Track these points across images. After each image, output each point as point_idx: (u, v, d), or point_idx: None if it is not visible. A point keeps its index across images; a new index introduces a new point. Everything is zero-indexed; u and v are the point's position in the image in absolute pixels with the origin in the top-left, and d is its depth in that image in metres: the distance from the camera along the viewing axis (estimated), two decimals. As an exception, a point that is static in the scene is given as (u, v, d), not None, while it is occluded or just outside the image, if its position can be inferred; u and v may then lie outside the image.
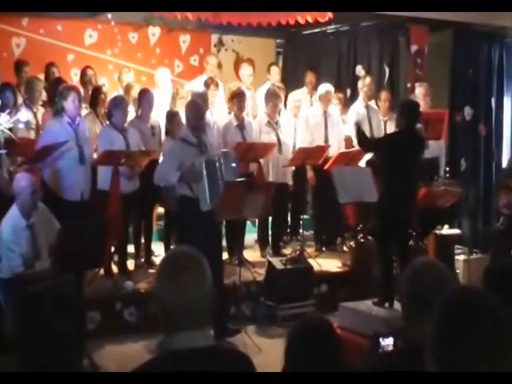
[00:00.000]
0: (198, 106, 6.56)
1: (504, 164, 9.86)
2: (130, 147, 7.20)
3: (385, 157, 6.63)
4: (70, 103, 6.89)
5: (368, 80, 9.26)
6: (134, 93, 8.16)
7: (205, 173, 6.17)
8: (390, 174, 6.56)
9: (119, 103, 7.29)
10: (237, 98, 8.25)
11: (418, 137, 6.91)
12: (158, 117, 8.04)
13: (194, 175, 6.19)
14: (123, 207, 7.01)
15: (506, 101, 10.22)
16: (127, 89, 8.43)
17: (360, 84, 9.34)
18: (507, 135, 10.30)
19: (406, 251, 6.68)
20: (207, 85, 8.68)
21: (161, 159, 7.65)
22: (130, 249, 7.80)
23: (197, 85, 9.03)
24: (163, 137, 7.90)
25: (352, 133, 8.87)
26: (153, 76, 9.34)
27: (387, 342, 3.68)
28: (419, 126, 7.45)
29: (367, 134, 8.33)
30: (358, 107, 9.17)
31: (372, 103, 9.29)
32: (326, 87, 8.97)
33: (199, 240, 5.71)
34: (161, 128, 7.95)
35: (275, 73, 9.85)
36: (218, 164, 6.31)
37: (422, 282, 2.48)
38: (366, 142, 6.93)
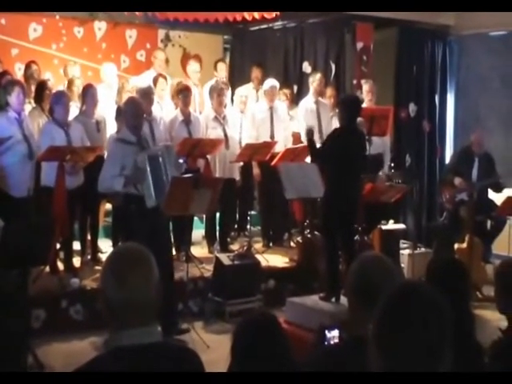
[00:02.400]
0: (136, 104, 6.42)
1: (447, 160, 10.01)
2: (71, 143, 7.11)
3: (328, 153, 6.67)
4: (14, 98, 6.79)
5: (318, 76, 9.32)
6: (77, 88, 8.05)
7: (148, 169, 6.09)
8: (334, 170, 6.62)
9: (60, 98, 7.19)
10: (182, 94, 8.22)
11: (359, 132, 6.98)
12: (103, 112, 7.96)
13: (138, 175, 6.06)
14: (68, 203, 6.92)
15: (450, 98, 10.40)
16: (69, 83, 8.32)
17: (310, 80, 9.39)
18: (450, 132, 10.48)
19: (351, 246, 6.74)
20: (156, 80, 8.64)
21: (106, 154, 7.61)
22: (76, 246, 7.71)
23: (143, 80, 8.96)
24: (110, 132, 7.83)
25: (300, 129, 8.96)
26: (99, 71, 9.24)
27: (333, 335, 3.72)
28: (360, 119, 7.54)
29: (316, 129, 8.41)
30: (308, 103, 9.22)
31: (322, 99, 9.35)
32: (271, 83, 9.00)
33: (146, 237, 5.69)
34: (106, 123, 7.88)
35: (222, 69, 9.86)
36: (161, 159, 6.24)
37: (368, 275, 2.51)
38: (317, 153, 6.91)
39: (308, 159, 8.35)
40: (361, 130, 7.17)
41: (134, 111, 6.30)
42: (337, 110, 7.34)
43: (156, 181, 6.14)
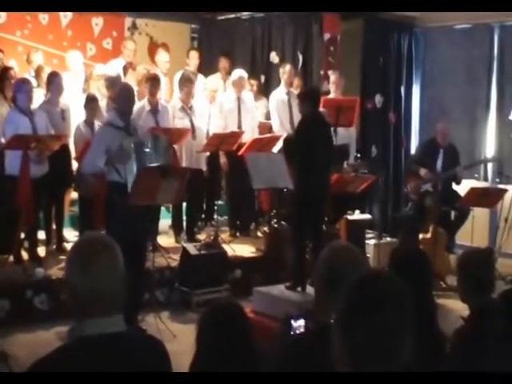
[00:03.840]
0: (130, 90, 6.43)
1: (413, 151, 10.10)
2: (37, 131, 7.04)
3: (297, 143, 6.69)
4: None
5: (288, 67, 9.33)
6: (46, 75, 7.97)
7: (134, 155, 6.08)
8: (304, 161, 6.63)
9: (22, 86, 7.11)
10: (150, 83, 8.17)
11: (326, 123, 7.00)
12: (69, 100, 7.89)
13: (121, 156, 6.04)
14: (33, 192, 6.86)
15: (415, 89, 10.47)
16: (38, 71, 8.22)
17: (280, 71, 9.39)
18: (416, 123, 10.56)
19: (319, 236, 6.78)
20: (126, 69, 8.57)
21: (71, 144, 7.55)
22: (41, 235, 7.64)
23: (110, 68, 8.90)
24: (77, 121, 7.77)
25: (272, 120, 8.98)
26: (64, 59, 9.14)
27: (298, 324, 3.73)
28: (322, 110, 7.58)
29: (287, 120, 8.44)
30: (280, 94, 9.23)
31: (293, 90, 9.37)
32: (239, 73, 9.00)
33: (126, 226, 5.68)
34: (70, 112, 7.81)
35: (194, 57, 9.82)
36: (147, 147, 6.22)
37: (336, 265, 2.52)
38: (291, 153, 6.92)
39: (275, 149, 8.38)
40: (326, 120, 7.20)
41: (127, 97, 6.29)
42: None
43: (140, 167, 6.11)
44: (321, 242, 6.59)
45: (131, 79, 8.62)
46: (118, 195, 6.01)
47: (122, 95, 6.36)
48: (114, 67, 8.90)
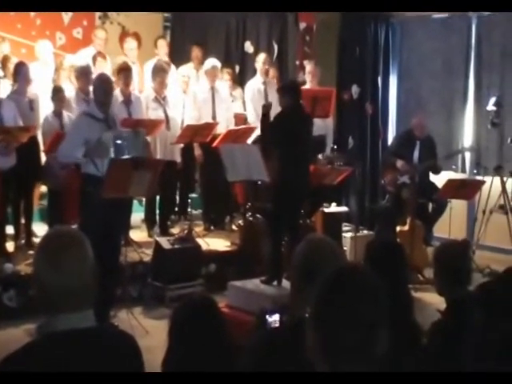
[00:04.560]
0: (107, 80, 6.38)
1: (390, 142, 10.12)
2: (3, 121, 6.97)
3: (277, 136, 6.68)
4: None
5: (263, 56, 9.33)
6: (12, 65, 7.89)
7: (112, 148, 6.03)
8: (285, 153, 6.63)
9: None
10: (123, 73, 8.11)
11: (306, 114, 7.02)
12: (38, 91, 7.82)
13: (100, 150, 6.01)
14: (0, 185, 6.80)
15: (392, 80, 10.50)
16: (4, 61, 8.14)
17: (256, 60, 9.39)
18: (393, 114, 10.60)
19: (296, 229, 6.80)
20: (95, 59, 8.52)
21: (39, 135, 7.47)
22: (10, 230, 7.58)
23: (80, 58, 8.83)
24: (46, 112, 7.70)
25: (247, 110, 8.98)
26: (33, 48, 9.05)
27: (274, 319, 3.75)
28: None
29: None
30: (256, 84, 9.22)
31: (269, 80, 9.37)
32: (212, 62, 8.98)
33: (106, 218, 5.66)
34: (39, 102, 7.75)
35: (162, 46, 9.76)
36: (126, 141, 6.17)
37: (312, 258, 2.54)
38: (269, 132, 6.90)
39: (250, 141, 8.38)
40: (307, 112, 7.22)
41: (104, 88, 6.23)
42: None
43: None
44: (297, 235, 6.60)
45: (103, 69, 8.56)
46: (94, 188, 5.98)
47: (98, 86, 6.31)
48: (84, 57, 8.83)
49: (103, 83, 6.31)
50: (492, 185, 8.51)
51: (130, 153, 6.14)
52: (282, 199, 6.60)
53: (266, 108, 6.86)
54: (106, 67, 8.71)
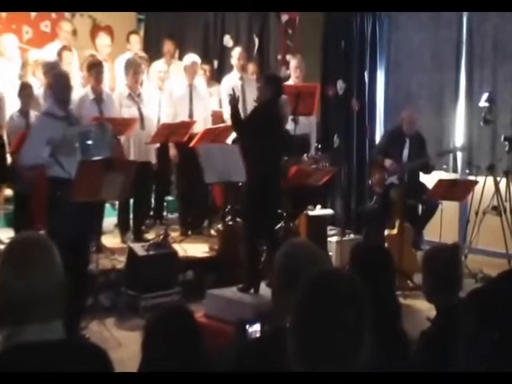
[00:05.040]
0: (66, 76, 6.38)
1: (377, 141, 10.13)
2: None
3: (249, 133, 6.70)
4: None
5: (238, 50, 9.33)
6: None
7: (78, 145, 6.02)
8: (258, 150, 6.65)
9: None
10: (94, 69, 8.08)
11: (278, 113, 7.05)
12: (4, 88, 7.79)
13: (65, 148, 5.99)
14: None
15: (379, 75, 10.51)
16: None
17: (232, 54, 9.40)
18: (380, 111, 10.60)
19: (273, 233, 6.81)
20: (60, 54, 8.49)
21: (5, 135, 7.45)
22: (-27, 236, 7.55)
23: (47, 53, 8.80)
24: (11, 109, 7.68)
25: (223, 108, 8.97)
26: (-3, 43, 9.01)
27: (254, 329, 3.76)
28: (283, 97, 7.60)
29: (240, 108, 8.41)
30: (232, 79, 9.23)
31: (248, 76, 9.38)
32: (192, 58, 8.98)
33: (75, 224, 5.66)
34: (5, 100, 7.72)
35: (136, 42, 9.75)
36: (93, 137, 6.16)
37: (294, 263, 2.55)
38: (240, 124, 6.92)
39: (229, 140, 8.39)
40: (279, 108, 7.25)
41: (62, 84, 6.23)
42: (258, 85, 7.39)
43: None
44: (275, 239, 6.63)
45: (70, 64, 8.52)
46: (62, 192, 5.96)
47: (56, 83, 6.32)
48: (51, 51, 8.80)
49: (60, 79, 6.31)
50: (485, 185, 8.53)
51: (96, 150, 6.12)
52: (253, 201, 6.62)
53: (233, 99, 6.86)
54: (72, 62, 8.68)
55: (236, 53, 9.30)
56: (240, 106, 8.46)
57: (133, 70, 8.38)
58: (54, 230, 5.81)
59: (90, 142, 6.12)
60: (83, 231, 6.03)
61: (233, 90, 7.08)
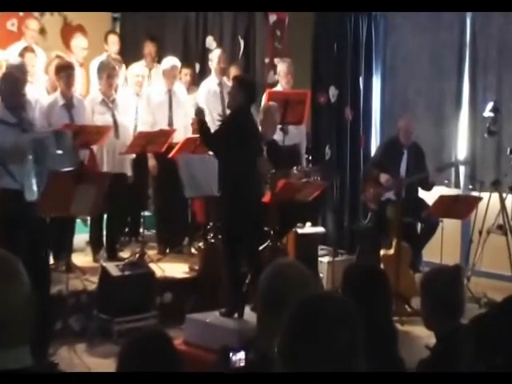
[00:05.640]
0: (14, 80, 6.38)
1: (373, 152, 10.16)
2: None
3: (222, 143, 6.73)
4: None
5: (217, 52, 9.36)
6: None
7: (31, 153, 6.00)
8: (233, 162, 6.67)
9: None
10: (64, 72, 8.09)
11: (252, 118, 7.08)
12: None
13: (17, 156, 5.98)
14: None
15: (375, 80, 10.52)
16: None
17: (210, 57, 9.42)
18: (376, 120, 10.59)
19: (255, 254, 6.83)
20: (23, 55, 8.48)
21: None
22: None
23: (10, 54, 8.80)
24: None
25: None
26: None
27: (238, 357, 3.75)
28: (273, 104, 7.63)
29: (220, 117, 8.43)
30: (210, 84, 9.25)
31: (227, 80, 9.40)
32: (172, 61, 9.00)
33: (26, 240, 5.65)
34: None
35: (114, 43, 9.77)
36: (48, 145, 6.15)
37: (280, 286, 2.56)
38: (210, 140, 6.94)
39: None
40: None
41: (12, 88, 6.23)
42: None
43: (39, 170, 6.04)
44: (258, 260, 6.66)
45: (34, 66, 8.48)
46: (14, 205, 5.95)
47: (5, 87, 6.31)
48: (15, 52, 8.78)
49: (10, 83, 6.31)
50: (489, 202, 8.55)
51: (56, 160, 6.11)
52: (231, 218, 6.64)
53: (199, 113, 6.89)
54: (36, 64, 8.66)
55: (215, 55, 9.32)
56: (220, 113, 8.53)
57: (106, 73, 8.38)
58: (7, 246, 5.79)
59: (45, 151, 6.10)
60: (41, 248, 5.99)
61: (197, 105, 7.10)
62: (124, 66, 9.54)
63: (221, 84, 9.22)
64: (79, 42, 9.42)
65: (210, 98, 9.12)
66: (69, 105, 8.07)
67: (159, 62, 9.52)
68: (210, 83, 9.28)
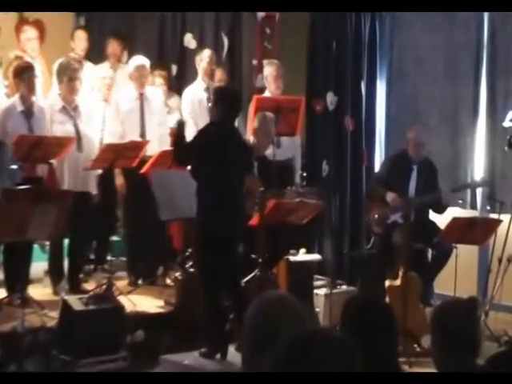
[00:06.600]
0: None
1: (376, 168, 10.16)
2: None
3: (198, 159, 6.77)
4: None
5: (207, 53, 9.39)
6: None
7: None
8: (209, 181, 6.71)
9: None
10: (25, 74, 8.10)
11: (238, 133, 7.13)
12: None
13: None
14: None
15: (380, 86, 10.55)
16: None
17: (197, 58, 9.45)
18: (381, 131, 10.58)
19: (238, 285, 6.85)
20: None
21: None
22: None
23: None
24: None
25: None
26: None
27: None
28: (269, 115, 7.68)
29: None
30: (196, 90, 9.27)
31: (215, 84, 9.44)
32: (139, 61, 9.01)
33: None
34: None
35: (81, 39, 9.80)
36: None
37: (270, 322, 2.58)
38: (184, 156, 6.98)
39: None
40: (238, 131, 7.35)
41: None
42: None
43: None
44: (242, 293, 6.67)
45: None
46: None
47: None
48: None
49: None
50: (510, 225, 8.57)
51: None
52: (207, 246, 6.66)
53: (180, 126, 6.93)
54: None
55: (205, 56, 9.35)
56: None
57: (68, 76, 8.36)
58: None
59: None
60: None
61: (180, 120, 7.18)
62: (89, 66, 9.57)
63: (208, 89, 9.20)
64: (26, 33, 9.48)
65: (195, 105, 9.16)
66: (28, 112, 8.08)
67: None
68: (196, 89, 9.31)
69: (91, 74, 9.46)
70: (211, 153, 6.68)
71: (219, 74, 9.63)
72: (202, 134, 6.97)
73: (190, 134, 9.00)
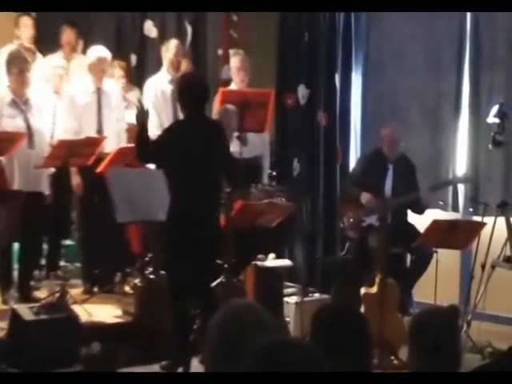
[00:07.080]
0: None
1: (351, 167, 10.15)
2: None
3: (165, 157, 6.76)
4: None
5: (174, 42, 9.38)
6: None
7: None
8: (178, 179, 6.71)
9: None
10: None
11: (210, 124, 7.12)
12: None
13: None
14: None
15: (355, 78, 10.55)
16: None
17: (163, 49, 9.43)
18: (356, 127, 10.59)
19: (205, 294, 6.85)
20: None
21: None
22: None
23: None
24: None
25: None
26: None
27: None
28: (231, 107, 7.67)
29: (171, 120, 8.45)
30: (160, 82, 9.26)
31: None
32: (99, 52, 8.98)
33: None
34: None
35: (27, 26, 9.75)
36: None
37: (235, 332, 2.59)
38: (147, 151, 6.96)
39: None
40: (214, 121, 7.32)
41: None
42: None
43: None
44: (210, 302, 6.69)
45: None
46: None
47: None
48: None
49: None
50: (494, 228, 8.59)
51: None
52: (175, 247, 6.66)
53: (142, 117, 6.90)
54: None
55: (172, 46, 9.33)
56: (170, 117, 8.54)
57: (18, 67, 8.34)
58: None
59: None
60: None
61: (139, 101, 7.14)
62: (39, 56, 9.53)
63: (173, 81, 9.18)
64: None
65: (159, 98, 9.13)
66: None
67: (84, 52, 9.51)
68: (160, 81, 9.29)
69: (42, 64, 9.41)
70: (178, 153, 6.67)
71: (185, 65, 9.61)
72: (167, 133, 6.96)
73: (152, 128, 9.09)
